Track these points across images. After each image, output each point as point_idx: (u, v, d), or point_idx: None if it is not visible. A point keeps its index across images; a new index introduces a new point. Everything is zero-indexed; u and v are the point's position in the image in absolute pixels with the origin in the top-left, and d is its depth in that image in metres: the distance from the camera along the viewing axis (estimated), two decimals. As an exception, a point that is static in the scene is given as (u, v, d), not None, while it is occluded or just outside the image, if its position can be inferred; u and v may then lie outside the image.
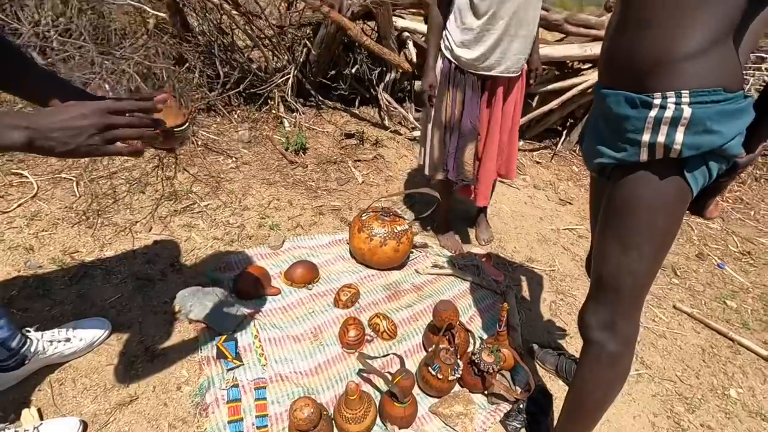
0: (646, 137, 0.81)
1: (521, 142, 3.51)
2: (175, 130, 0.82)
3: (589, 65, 3.48)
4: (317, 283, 1.77)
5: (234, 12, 2.64)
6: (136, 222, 1.87)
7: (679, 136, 0.78)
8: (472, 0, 1.63)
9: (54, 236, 1.71)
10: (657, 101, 0.79)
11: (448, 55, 1.78)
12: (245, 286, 1.62)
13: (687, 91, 0.77)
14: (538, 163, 3.43)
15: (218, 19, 2.80)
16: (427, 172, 2.01)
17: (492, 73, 1.74)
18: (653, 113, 0.80)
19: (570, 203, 2.98)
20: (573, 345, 1.76)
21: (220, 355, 1.40)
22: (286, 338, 1.51)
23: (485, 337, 1.67)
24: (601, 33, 3.13)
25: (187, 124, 0.85)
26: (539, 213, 2.77)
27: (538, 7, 1.68)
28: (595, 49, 3.08)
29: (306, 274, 1.73)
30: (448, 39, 1.77)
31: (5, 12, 2.35)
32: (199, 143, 2.46)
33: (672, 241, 0.92)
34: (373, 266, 1.90)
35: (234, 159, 2.45)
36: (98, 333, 1.36)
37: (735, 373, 1.78)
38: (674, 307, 2.10)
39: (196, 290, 1.53)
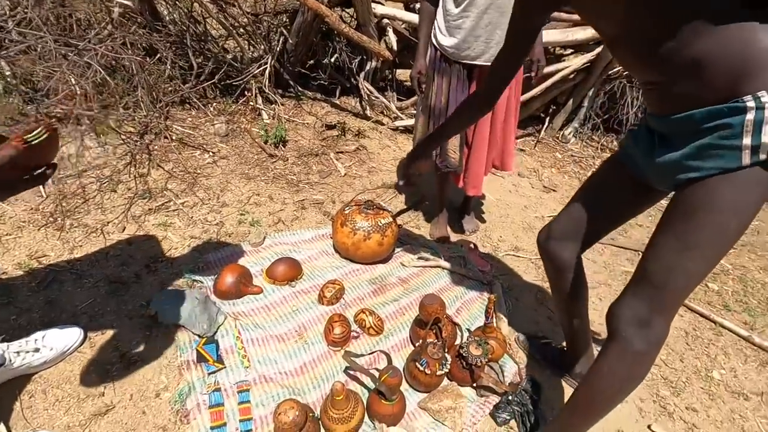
0: (747, 141, 0.78)
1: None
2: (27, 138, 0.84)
3: (571, 51, 3.46)
4: (300, 280, 1.72)
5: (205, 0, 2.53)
6: (108, 222, 1.78)
7: None
8: None
9: (19, 240, 1.62)
10: (750, 103, 0.76)
11: (434, 43, 1.76)
12: (225, 286, 1.56)
13: None
14: (521, 150, 3.41)
15: (189, 7, 2.68)
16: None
17: (476, 62, 1.70)
18: (750, 116, 0.77)
19: (554, 190, 2.98)
20: (560, 334, 1.75)
21: (201, 359, 1.35)
22: (270, 338, 1.46)
23: (473, 329, 1.65)
24: (582, 18, 3.11)
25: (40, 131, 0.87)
26: (524, 201, 2.76)
27: None
28: (576, 34, 3.06)
29: (288, 272, 1.68)
30: (434, 26, 1.74)
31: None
32: (174, 137, 2.37)
33: (729, 249, 0.90)
34: (358, 261, 1.86)
35: (211, 154, 2.37)
36: (70, 341, 1.29)
37: (717, 355, 1.81)
38: (658, 291, 2.12)
39: (173, 292, 1.47)
